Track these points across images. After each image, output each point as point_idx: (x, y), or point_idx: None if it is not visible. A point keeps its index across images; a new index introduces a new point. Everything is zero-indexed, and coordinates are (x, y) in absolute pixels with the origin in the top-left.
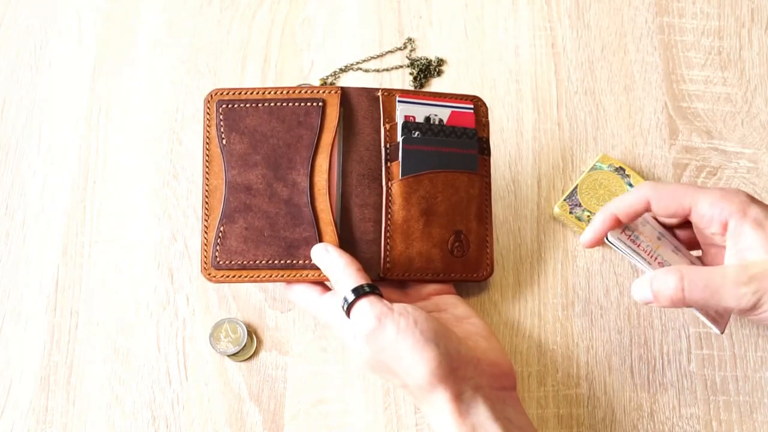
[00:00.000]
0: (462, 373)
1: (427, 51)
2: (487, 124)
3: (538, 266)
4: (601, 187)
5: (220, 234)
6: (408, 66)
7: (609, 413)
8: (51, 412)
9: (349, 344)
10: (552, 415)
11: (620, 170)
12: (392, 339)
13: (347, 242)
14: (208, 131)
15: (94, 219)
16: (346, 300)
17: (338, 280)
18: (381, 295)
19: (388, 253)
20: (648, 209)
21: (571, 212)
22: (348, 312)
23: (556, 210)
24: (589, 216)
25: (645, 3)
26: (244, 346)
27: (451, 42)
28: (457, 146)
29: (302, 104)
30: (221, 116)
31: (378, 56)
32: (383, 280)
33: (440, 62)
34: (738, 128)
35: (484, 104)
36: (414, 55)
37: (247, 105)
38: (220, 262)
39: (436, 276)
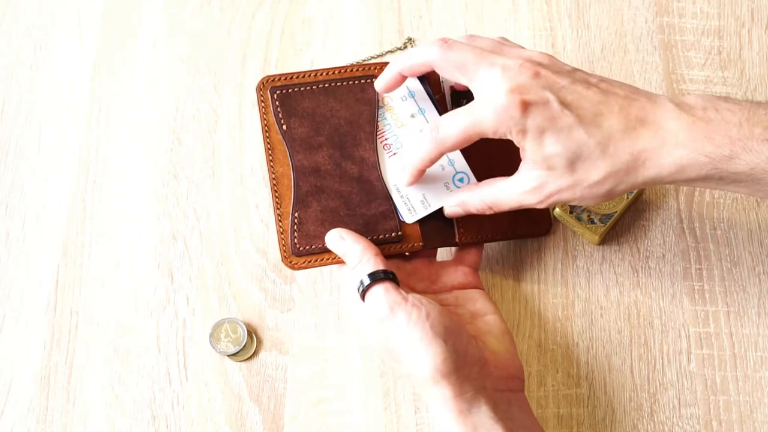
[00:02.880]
0: (466, 372)
1: None
2: None
3: (538, 266)
4: None
5: (296, 220)
6: None
7: (609, 413)
8: (51, 412)
9: (360, 323)
10: (552, 415)
11: None
12: (402, 329)
13: None
14: (265, 119)
15: (94, 219)
16: (362, 283)
17: (355, 265)
18: (397, 283)
19: (460, 218)
20: (432, 70)
21: (571, 212)
22: (363, 296)
23: (557, 211)
24: (588, 216)
25: (645, 3)
26: (244, 346)
27: None
28: None
29: (356, 81)
30: (277, 102)
31: (378, 56)
32: (460, 245)
33: None
34: None
35: None
36: None
37: (301, 89)
38: (301, 249)
39: (504, 235)
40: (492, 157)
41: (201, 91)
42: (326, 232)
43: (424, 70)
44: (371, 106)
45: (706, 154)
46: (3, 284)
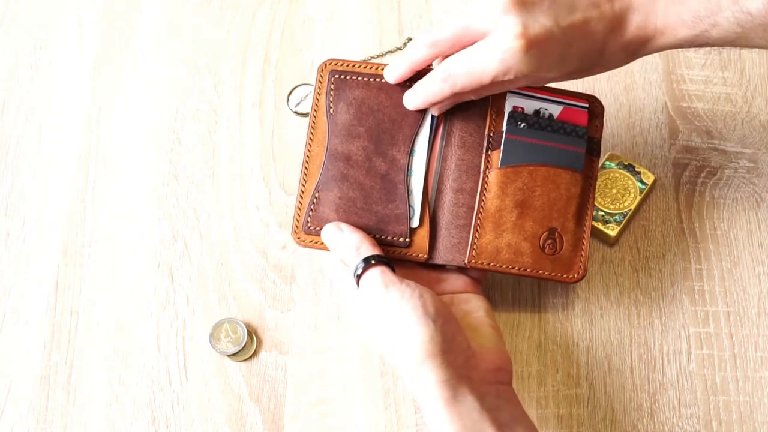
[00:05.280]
0: (451, 358)
1: None
2: (601, 126)
3: None
4: (614, 185)
5: (315, 200)
6: None
7: (609, 413)
8: (51, 412)
9: (356, 314)
10: (552, 415)
11: (630, 167)
12: (394, 305)
13: (437, 224)
14: (317, 99)
15: (94, 219)
16: (357, 268)
17: (352, 255)
18: (393, 269)
19: (476, 240)
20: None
21: None
22: (358, 280)
23: None
24: (603, 216)
25: None
26: (244, 346)
27: None
28: (564, 143)
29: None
30: (332, 85)
31: (378, 56)
32: (468, 269)
33: None
34: (738, 128)
35: (601, 105)
36: None
37: (358, 78)
38: (311, 227)
39: (523, 270)
40: (526, 190)
41: (201, 91)
42: (339, 219)
43: (429, 61)
44: (419, 111)
45: (678, 38)
46: (3, 284)
